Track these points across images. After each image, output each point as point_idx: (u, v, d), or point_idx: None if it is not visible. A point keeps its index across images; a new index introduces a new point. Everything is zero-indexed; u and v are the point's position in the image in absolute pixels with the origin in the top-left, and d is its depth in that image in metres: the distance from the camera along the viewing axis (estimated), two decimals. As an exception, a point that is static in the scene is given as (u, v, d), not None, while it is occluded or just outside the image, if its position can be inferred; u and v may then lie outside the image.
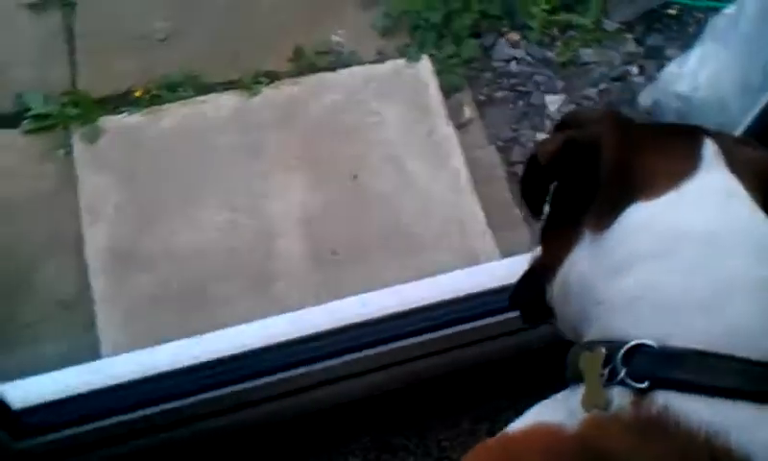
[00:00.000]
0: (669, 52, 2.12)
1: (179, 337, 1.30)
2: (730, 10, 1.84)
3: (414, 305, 1.27)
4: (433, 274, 1.36)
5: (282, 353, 1.26)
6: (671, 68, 1.94)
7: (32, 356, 1.61)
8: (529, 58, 2.10)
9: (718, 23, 1.85)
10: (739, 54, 1.73)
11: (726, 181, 0.67)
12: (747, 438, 0.58)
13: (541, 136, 1.97)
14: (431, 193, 1.82)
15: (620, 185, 0.67)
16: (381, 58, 2.05)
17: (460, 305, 1.27)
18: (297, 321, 1.29)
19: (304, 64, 2.03)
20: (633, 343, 0.62)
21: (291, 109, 1.95)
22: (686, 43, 2.06)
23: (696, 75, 1.83)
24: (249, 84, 1.98)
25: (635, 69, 2.10)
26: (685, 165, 0.67)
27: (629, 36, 2.16)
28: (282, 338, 1.27)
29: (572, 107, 2.02)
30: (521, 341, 1.28)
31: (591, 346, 0.65)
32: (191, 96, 1.98)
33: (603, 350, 0.63)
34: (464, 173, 1.85)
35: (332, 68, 2.03)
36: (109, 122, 1.93)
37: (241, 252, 1.74)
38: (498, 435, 0.72)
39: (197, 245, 1.75)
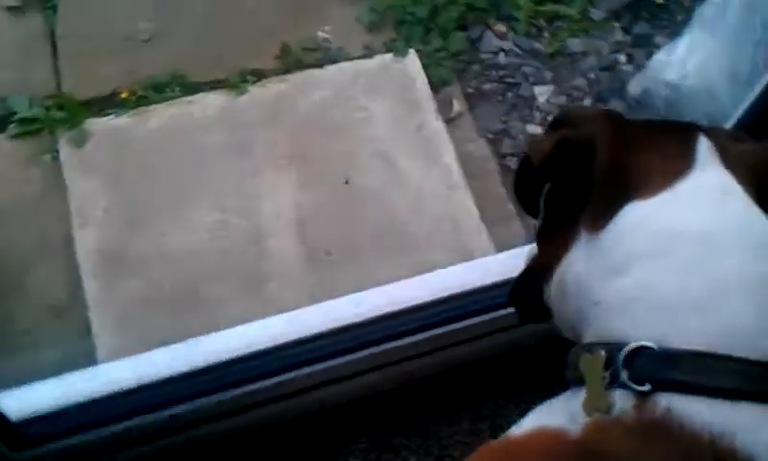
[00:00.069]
0: (657, 40, 2.12)
1: (173, 339, 1.29)
2: (716, -2, 1.84)
3: (409, 304, 1.26)
4: (427, 271, 1.35)
5: (279, 356, 1.26)
6: (659, 56, 1.94)
7: (27, 363, 1.60)
8: (517, 49, 2.10)
9: (705, 12, 1.85)
10: (727, 43, 1.74)
11: (721, 177, 0.67)
12: (751, 439, 0.57)
13: (531, 128, 1.97)
14: (423, 189, 1.81)
15: (615, 185, 0.67)
16: (368, 53, 2.04)
17: (456, 303, 1.26)
18: (291, 322, 1.29)
19: (291, 62, 2.02)
20: (633, 345, 0.61)
21: (279, 107, 1.94)
22: (674, 31, 2.06)
23: (685, 63, 1.84)
24: (236, 82, 1.97)
25: (623, 58, 2.10)
26: (680, 163, 0.67)
27: (616, 24, 2.16)
28: (278, 340, 1.26)
29: (561, 97, 2.01)
30: (520, 337, 1.28)
31: (591, 348, 0.65)
32: (178, 96, 1.96)
33: (603, 352, 0.63)
34: (455, 168, 1.84)
35: (319, 65, 2.02)
36: (96, 125, 1.91)
37: (233, 252, 1.73)
38: (500, 438, 0.71)
39: (188, 246, 1.74)
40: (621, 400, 0.61)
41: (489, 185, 1.84)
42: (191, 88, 1.97)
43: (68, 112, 1.92)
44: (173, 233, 1.76)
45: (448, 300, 1.26)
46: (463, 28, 2.10)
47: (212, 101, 1.95)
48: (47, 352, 1.62)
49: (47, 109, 1.92)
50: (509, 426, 1.34)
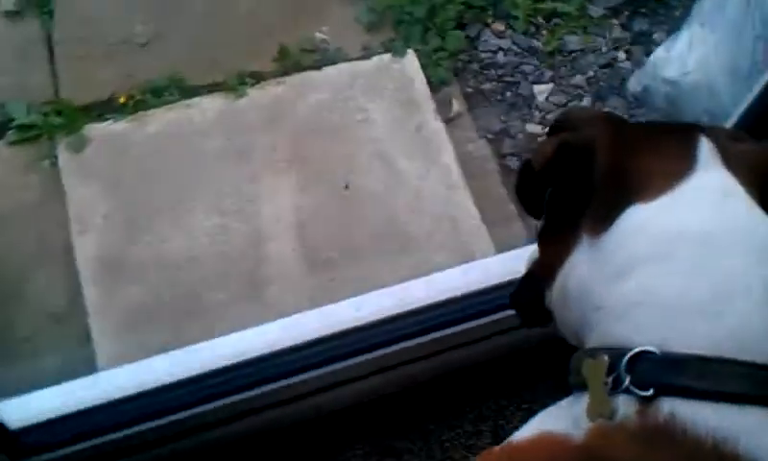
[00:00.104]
0: (656, 36, 2.12)
1: (173, 346, 1.29)
2: (715, -8, 1.83)
3: (409, 307, 1.26)
4: (428, 273, 1.35)
5: (279, 361, 1.26)
6: (659, 53, 1.93)
7: (27, 370, 1.60)
8: (515, 47, 2.09)
9: (704, 7, 1.84)
10: (726, 38, 1.73)
11: (722, 179, 0.66)
12: (755, 443, 0.57)
13: (531, 127, 1.96)
14: (422, 190, 1.81)
15: (616, 188, 0.66)
16: (367, 54, 2.04)
17: (457, 305, 1.26)
18: (291, 327, 1.29)
19: (289, 64, 2.01)
20: (636, 350, 0.60)
21: (277, 109, 1.93)
22: (673, 27, 2.05)
23: (684, 59, 1.83)
24: (234, 85, 1.96)
25: (622, 55, 2.09)
26: (681, 165, 0.66)
27: (615, 21, 2.15)
28: (278, 346, 1.26)
29: (561, 96, 2.01)
30: (520, 338, 1.27)
31: (594, 353, 0.64)
32: (176, 100, 1.96)
33: (606, 358, 0.62)
34: (455, 168, 1.83)
35: (318, 66, 2.01)
36: (94, 130, 1.90)
37: (232, 257, 1.73)
38: (503, 444, 0.71)
39: (187, 251, 1.74)
40: (624, 406, 0.60)
41: (489, 185, 1.84)
42: (189, 92, 1.97)
43: (66, 118, 1.92)
44: (172, 239, 1.75)
45: (448, 302, 1.25)
46: (461, 27, 2.10)
47: (210, 104, 1.95)
48: (47, 360, 1.61)
49: (45, 115, 1.92)
50: (511, 427, 1.34)
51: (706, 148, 0.68)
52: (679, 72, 1.84)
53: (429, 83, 1.98)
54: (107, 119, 1.93)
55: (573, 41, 2.10)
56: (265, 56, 2.02)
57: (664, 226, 0.64)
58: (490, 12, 2.13)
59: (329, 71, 2.00)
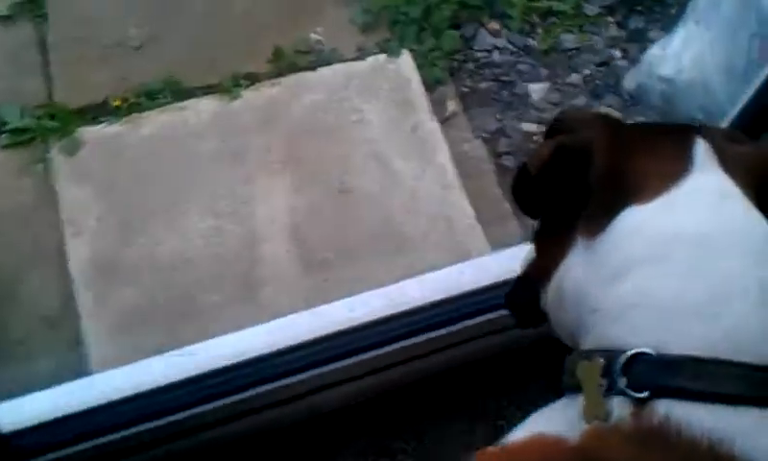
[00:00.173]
0: (651, 34, 2.11)
1: (167, 348, 1.29)
2: (710, -10, 1.83)
3: (404, 308, 1.25)
4: (423, 273, 1.34)
5: (274, 363, 1.25)
6: (654, 51, 1.93)
7: (20, 373, 1.59)
8: (511, 46, 2.08)
9: (699, 4, 1.84)
10: (722, 36, 1.72)
11: (719, 180, 0.66)
12: (750, 445, 0.56)
13: (526, 126, 1.95)
14: (418, 190, 1.80)
15: (613, 190, 0.66)
16: (362, 54, 2.03)
17: (451, 305, 1.25)
18: (286, 328, 1.28)
19: (284, 65, 2.01)
20: (631, 352, 0.60)
21: (272, 111, 1.93)
22: (668, 25, 2.04)
23: (680, 57, 1.82)
24: (228, 87, 1.95)
25: (617, 53, 2.09)
26: (678, 166, 0.66)
27: (610, 19, 2.14)
28: (273, 347, 1.26)
29: (556, 95, 2.00)
30: (514, 338, 1.26)
31: (589, 355, 0.64)
32: (170, 103, 1.95)
33: (601, 360, 0.62)
34: (450, 168, 1.83)
35: (312, 67, 2.01)
36: (88, 133, 1.89)
37: (227, 259, 1.72)
38: (497, 445, 0.70)
39: (182, 253, 1.73)
40: (619, 408, 0.60)
41: (484, 185, 1.83)
42: (183, 94, 1.96)
43: (60, 121, 1.91)
44: (166, 241, 1.74)
45: (443, 303, 1.25)
46: (456, 27, 2.09)
47: (205, 106, 1.94)
48: (40, 363, 1.61)
49: (39, 118, 1.91)
50: (504, 426, 1.33)
51: (702, 149, 0.67)
52: (674, 70, 1.83)
53: (424, 83, 1.97)
54: (100, 122, 1.92)
55: (569, 40, 2.09)
56: (259, 57, 2.01)
57: (661, 227, 0.63)
58: (485, 12, 2.13)
59: (324, 72, 1.99)
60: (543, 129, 1.90)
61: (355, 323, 1.24)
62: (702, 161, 0.66)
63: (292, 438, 1.35)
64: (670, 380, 0.58)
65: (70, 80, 1.98)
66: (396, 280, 1.32)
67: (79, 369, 1.56)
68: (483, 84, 2.02)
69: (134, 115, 1.93)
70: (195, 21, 2.09)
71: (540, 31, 2.11)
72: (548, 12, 2.14)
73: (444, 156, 1.85)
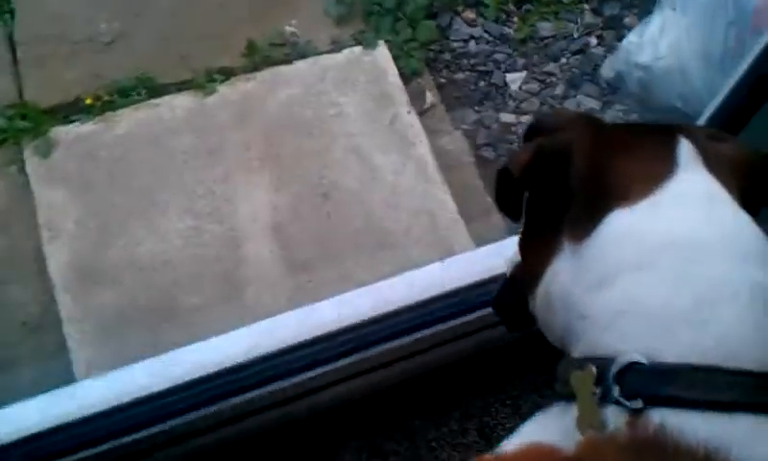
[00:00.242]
0: (627, 20, 2.11)
1: (150, 352, 1.27)
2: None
3: (390, 308, 1.24)
4: (407, 269, 1.33)
5: (262, 367, 1.24)
6: (631, 38, 1.93)
7: (1, 382, 1.56)
8: (487, 35, 2.08)
9: (675, -10, 1.84)
10: (698, 21, 1.73)
11: (704, 182, 0.65)
12: (747, 453, 0.56)
13: (505, 117, 1.95)
14: (398, 185, 1.79)
15: (596, 193, 0.65)
16: (337, 46, 2.01)
17: (438, 304, 1.25)
18: (272, 331, 1.27)
19: (259, 58, 1.99)
20: (624, 361, 0.60)
21: (248, 106, 1.91)
22: (644, 11, 2.04)
23: (657, 44, 1.83)
24: (203, 83, 1.93)
25: (594, 40, 2.09)
26: (662, 168, 0.65)
27: (586, 6, 2.14)
28: (259, 351, 1.24)
29: (534, 84, 2.00)
30: (502, 334, 1.26)
31: (581, 364, 0.63)
32: (144, 100, 1.92)
33: (594, 368, 0.61)
34: (431, 161, 1.82)
35: (288, 60, 1.99)
36: (61, 133, 1.87)
37: (208, 259, 1.71)
38: (492, 453, 0.70)
39: (162, 255, 1.71)
40: (614, 417, 0.59)
41: (465, 178, 1.83)
42: (157, 91, 1.93)
43: (32, 121, 1.87)
44: (146, 242, 1.72)
45: (429, 302, 1.24)
46: (432, 16, 2.08)
47: (180, 103, 1.91)
48: (22, 371, 1.59)
49: (10, 118, 1.88)
50: (496, 424, 1.33)
51: (686, 149, 0.67)
52: (651, 57, 1.84)
53: (401, 74, 1.96)
54: (73, 121, 1.89)
55: (545, 28, 2.09)
56: (233, 51, 1.99)
57: (647, 232, 0.63)
58: (460, 1, 2.11)
59: (300, 65, 1.97)
60: (522, 119, 1.91)
61: (341, 324, 1.23)
62: (686, 162, 0.66)
63: (282, 442, 1.34)
64: (663, 389, 0.58)
65: (40, 78, 1.95)
66: (380, 278, 1.32)
67: (62, 375, 1.55)
68: (460, 75, 2.01)
69: (108, 114, 1.90)
70: (167, 15, 2.06)
71: (515, 19, 2.11)
72: (524, 0, 2.13)
73: (423, 148, 1.84)
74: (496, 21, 2.09)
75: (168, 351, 1.26)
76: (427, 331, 1.24)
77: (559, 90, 1.99)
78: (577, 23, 2.11)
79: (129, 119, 1.89)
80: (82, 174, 1.81)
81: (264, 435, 1.31)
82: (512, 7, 2.13)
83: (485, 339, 1.28)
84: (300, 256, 1.70)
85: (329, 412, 1.32)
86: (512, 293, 0.82)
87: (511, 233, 0.95)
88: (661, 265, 0.61)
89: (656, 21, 1.86)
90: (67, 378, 1.53)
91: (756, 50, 1.02)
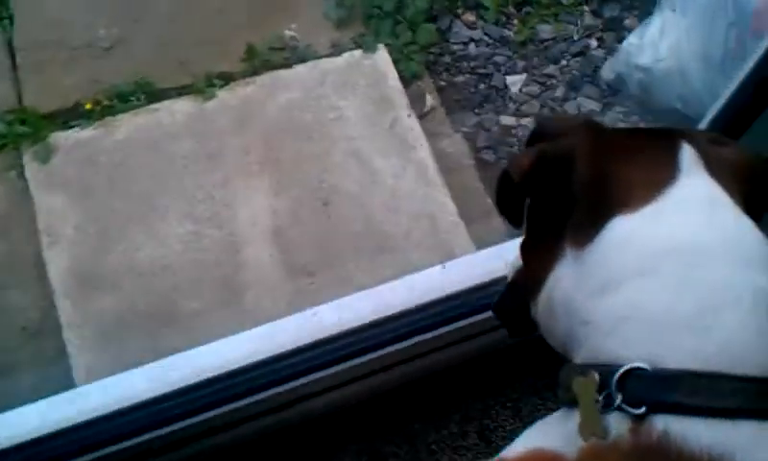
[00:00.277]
0: (627, 22, 2.11)
1: (150, 357, 1.27)
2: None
3: (391, 311, 1.24)
4: (407, 272, 1.33)
5: (262, 372, 1.23)
6: (631, 40, 1.92)
7: (2, 387, 1.56)
8: (487, 38, 2.08)
9: (674, -8, 1.84)
10: (698, 22, 1.72)
11: (707, 187, 0.65)
12: (750, 459, 0.56)
13: (505, 119, 1.95)
14: (399, 188, 1.79)
15: (598, 199, 0.65)
16: (337, 50, 2.01)
17: (437, 308, 1.24)
18: (272, 336, 1.26)
19: (258, 63, 1.98)
20: (626, 367, 0.59)
21: (248, 110, 1.90)
22: (644, 12, 2.04)
23: (657, 46, 1.82)
24: (202, 87, 1.93)
25: (594, 42, 2.09)
26: (664, 173, 0.65)
27: (586, 8, 2.14)
28: (259, 356, 1.24)
29: (534, 86, 2.00)
30: (503, 337, 1.26)
31: (584, 370, 0.63)
32: (144, 105, 1.92)
33: (596, 375, 0.61)
34: (431, 164, 1.82)
35: (287, 65, 1.98)
36: (61, 138, 1.86)
37: (207, 264, 1.70)
38: (495, 460, 0.69)
39: (161, 260, 1.71)
40: (617, 424, 0.59)
41: (465, 180, 1.83)
42: (157, 95, 1.93)
43: (31, 127, 1.87)
44: (145, 247, 1.72)
45: (429, 306, 1.23)
46: (432, 19, 2.08)
47: (179, 107, 1.91)
48: (22, 376, 1.59)
49: (9, 124, 1.88)
50: (496, 426, 1.33)
51: (688, 154, 0.66)
52: (651, 59, 1.83)
53: (401, 77, 1.96)
54: (73, 127, 1.89)
55: (545, 30, 2.09)
56: (233, 55, 1.98)
57: (650, 238, 0.62)
58: (460, 3, 2.11)
59: (299, 69, 1.97)
60: (522, 122, 1.91)
61: (342, 328, 1.23)
62: (688, 167, 0.65)
63: (280, 446, 1.34)
64: (667, 396, 0.58)
65: (40, 83, 1.95)
66: (380, 281, 1.31)
67: (62, 380, 1.55)
68: (460, 78, 2.01)
69: (107, 119, 1.90)
70: (166, 21, 2.06)
71: (515, 21, 2.11)
72: (524, 2, 2.13)
73: (424, 152, 1.84)
74: (496, 23, 2.09)
75: (168, 356, 1.26)
76: (428, 335, 1.24)
77: (559, 93, 1.99)
78: (577, 25, 2.11)
79: (128, 124, 1.89)
80: (81, 179, 1.81)
81: (262, 440, 1.31)
82: (512, 9, 2.12)
83: (485, 342, 1.28)
84: (300, 261, 1.69)
85: (328, 416, 1.32)
86: (513, 298, 0.82)
87: (511, 236, 0.94)
88: (664, 271, 0.61)
89: (656, 23, 1.86)
90: (67, 384, 1.53)
91: (758, 53, 1.01)
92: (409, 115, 1.89)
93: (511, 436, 0.73)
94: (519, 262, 0.81)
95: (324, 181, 1.79)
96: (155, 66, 1.97)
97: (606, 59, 2.03)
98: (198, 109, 1.90)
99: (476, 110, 1.96)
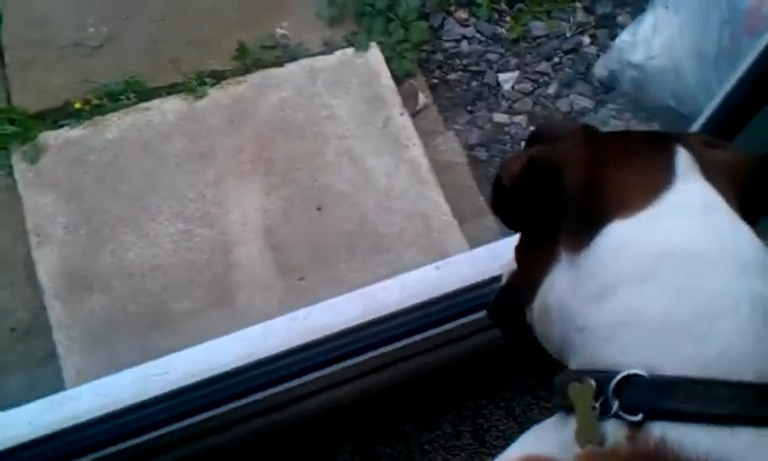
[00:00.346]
0: (620, 19, 2.11)
1: (141, 358, 1.26)
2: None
3: (384, 312, 1.23)
4: (400, 272, 1.32)
5: (255, 373, 1.23)
6: (624, 37, 1.92)
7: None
8: (479, 35, 2.07)
9: (667, -12, 1.83)
10: (691, 19, 1.72)
11: (703, 191, 0.64)
12: (747, 466, 0.55)
13: (498, 117, 1.94)
14: (392, 187, 1.78)
15: (593, 203, 0.64)
16: (329, 48, 2.00)
17: (431, 308, 1.23)
18: (265, 336, 1.25)
19: (249, 61, 1.97)
20: (623, 374, 0.59)
21: (239, 109, 1.89)
22: (637, 9, 2.04)
23: (650, 43, 1.82)
24: (193, 86, 1.91)
25: (586, 39, 2.08)
26: (660, 177, 0.64)
27: (578, 5, 2.14)
28: (252, 357, 1.23)
29: (527, 84, 1.99)
30: (497, 337, 1.25)
31: (580, 376, 0.62)
32: (134, 103, 1.91)
33: (593, 381, 0.60)
34: (424, 163, 1.81)
35: (279, 63, 1.97)
36: (50, 138, 1.85)
37: (198, 263, 1.69)
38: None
39: (152, 260, 1.70)
40: (614, 431, 0.59)
41: (458, 179, 1.82)
42: (147, 94, 1.92)
43: (20, 126, 1.86)
44: (136, 247, 1.71)
45: (423, 306, 1.23)
46: (424, 17, 2.07)
47: (170, 106, 1.89)
48: (11, 377, 1.58)
49: (-2, 123, 1.86)
50: (490, 426, 1.32)
51: (683, 158, 0.66)
52: (644, 56, 1.83)
53: (394, 76, 1.95)
54: (62, 126, 1.87)
55: (537, 27, 2.08)
56: (224, 54, 1.97)
57: (647, 243, 0.62)
58: (452, 1, 2.10)
59: (291, 67, 1.96)
60: (515, 119, 1.90)
61: (334, 329, 1.22)
62: (684, 172, 0.65)
63: (273, 448, 1.33)
64: (664, 402, 0.57)
65: (28, 83, 1.93)
66: (373, 281, 1.30)
67: (52, 382, 1.54)
68: (453, 76, 2.00)
69: (97, 118, 1.88)
70: (156, 19, 2.04)
71: (508, 18, 2.10)
72: (516, -1, 2.12)
73: (416, 150, 1.83)
74: (489, 21, 2.08)
75: (159, 357, 1.25)
76: (421, 335, 1.23)
77: (552, 90, 1.98)
78: (569, 22, 2.10)
79: (118, 123, 1.87)
80: (71, 179, 1.79)
81: (255, 441, 1.30)
82: (504, 6, 2.12)
83: (479, 342, 1.28)
84: (293, 260, 1.68)
85: (321, 417, 1.31)
86: (508, 301, 0.81)
87: (505, 235, 0.93)
88: (661, 277, 0.60)
89: (649, 20, 1.85)
90: (57, 385, 1.52)
91: (754, 52, 1.01)
92: (402, 114, 1.88)
93: (504, 435, 0.73)
94: (514, 265, 0.80)
95: (316, 181, 1.78)
96: (145, 65, 1.95)
97: (599, 56, 2.02)
98: (189, 107, 1.89)
99: (469, 108, 1.95)
